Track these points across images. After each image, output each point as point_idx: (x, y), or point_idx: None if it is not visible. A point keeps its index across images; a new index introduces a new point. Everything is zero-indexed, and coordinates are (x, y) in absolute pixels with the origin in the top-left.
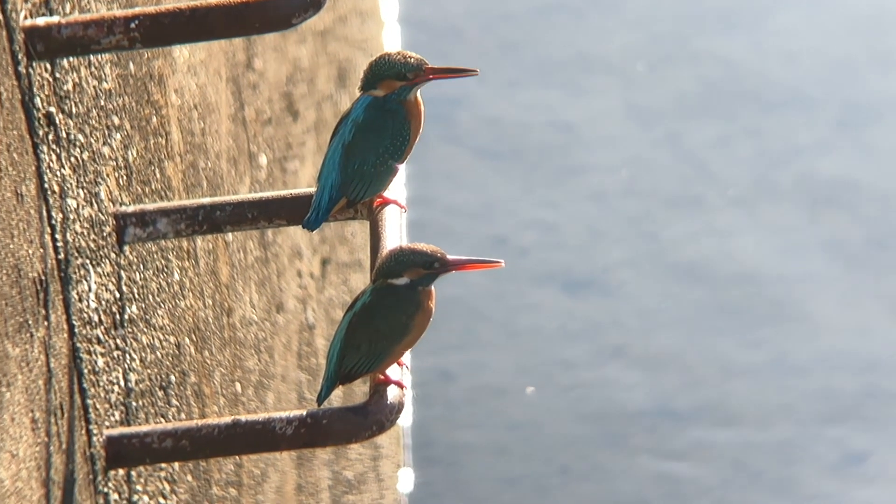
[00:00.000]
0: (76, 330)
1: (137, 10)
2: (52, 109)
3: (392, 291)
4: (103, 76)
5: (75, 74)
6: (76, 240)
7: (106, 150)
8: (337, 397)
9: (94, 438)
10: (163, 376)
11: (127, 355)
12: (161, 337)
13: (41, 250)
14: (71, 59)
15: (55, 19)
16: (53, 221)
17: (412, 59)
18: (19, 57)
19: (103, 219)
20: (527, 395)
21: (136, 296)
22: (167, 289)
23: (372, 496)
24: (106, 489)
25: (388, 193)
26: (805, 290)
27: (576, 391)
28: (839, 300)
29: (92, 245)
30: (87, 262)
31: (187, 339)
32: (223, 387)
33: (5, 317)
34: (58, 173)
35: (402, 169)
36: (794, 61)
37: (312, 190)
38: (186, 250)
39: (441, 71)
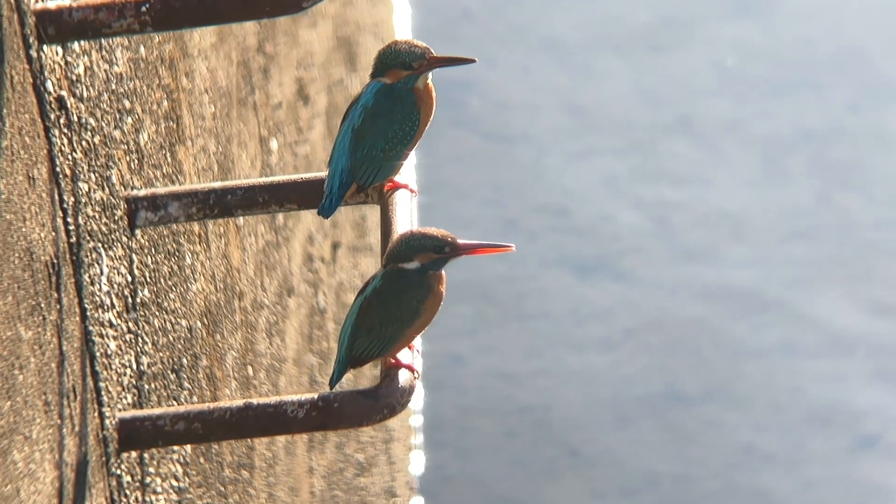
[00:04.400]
0: (88, 313)
1: None
2: (64, 93)
3: (403, 275)
4: (114, 60)
5: (86, 58)
6: (88, 223)
7: (117, 133)
8: (348, 381)
9: (107, 421)
10: (175, 359)
11: (139, 338)
12: (173, 320)
13: (53, 234)
14: (82, 42)
15: (66, 2)
16: (65, 205)
17: (417, 49)
18: (30, 40)
19: (115, 202)
20: (537, 381)
21: (148, 279)
22: (179, 272)
23: (383, 479)
24: (119, 471)
25: (399, 178)
26: (815, 273)
27: (586, 374)
28: (850, 283)
29: (104, 229)
30: (99, 245)
31: (199, 323)
32: (235, 370)
33: (18, 300)
34: (69, 157)
35: (412, 153)
36: (807, 44)
37: (323, 174)
38: (198, 234)
39: (443, 60)
